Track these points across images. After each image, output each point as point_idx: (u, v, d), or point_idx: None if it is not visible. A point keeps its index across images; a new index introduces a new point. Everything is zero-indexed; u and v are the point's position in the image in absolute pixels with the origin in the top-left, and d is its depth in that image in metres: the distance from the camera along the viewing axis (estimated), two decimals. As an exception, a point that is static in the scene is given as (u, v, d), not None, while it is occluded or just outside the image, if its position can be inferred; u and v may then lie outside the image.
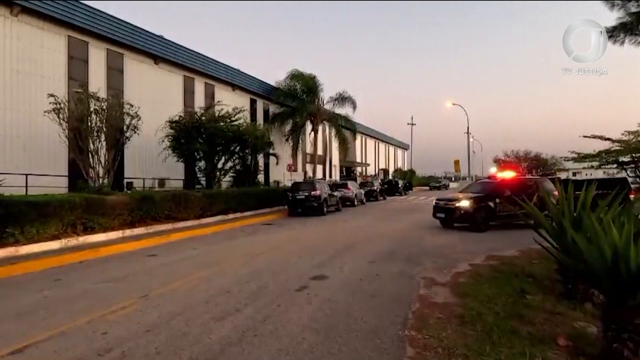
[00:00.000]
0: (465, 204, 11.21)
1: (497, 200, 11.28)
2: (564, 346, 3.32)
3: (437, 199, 12.70)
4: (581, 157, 29.72)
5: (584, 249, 3.27)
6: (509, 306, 4.39)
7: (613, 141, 26.39)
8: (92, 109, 11.52)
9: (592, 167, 31.91)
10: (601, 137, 26.70)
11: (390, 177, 47.98)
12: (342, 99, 27.69)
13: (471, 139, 40.80)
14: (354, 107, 28.13)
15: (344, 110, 28.47)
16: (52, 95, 11.12)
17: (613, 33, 12.44)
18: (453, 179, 64.95)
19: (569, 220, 4.49)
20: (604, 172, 42.97)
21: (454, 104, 34.86)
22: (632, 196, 13.22)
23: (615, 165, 29.05)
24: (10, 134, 12.73)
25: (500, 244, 8.91)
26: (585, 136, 27.65)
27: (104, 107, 11.75)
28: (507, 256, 7.46)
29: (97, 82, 15.01)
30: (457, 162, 31.73)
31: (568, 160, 32.62)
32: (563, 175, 43.60)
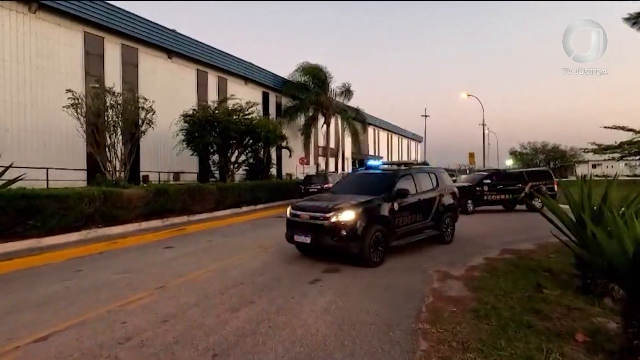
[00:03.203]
0: (349, 216, 6.19)
1: (396, 207, 6.84)
2: (582, 342, 3.27)
3: (293, 207, 7.18)
4: (602, 149, 28.85)
5: (604, 243, 3.20)
6: (524, 300, 4.33)
7: (636, 132, 25.52)
8: (108, 104, 11.74)
9: (612, 158, 31.00)
10: (623, 128, 25.84)
11: (404, 170, 47.49)
12: (346, 91, 27.76)
13: (487, 131, 40.02)
14: (349, 98, 28.41)
15: (350, 102, 28.49)
16: (69, 91, 11.35)
17: (637, 19, 11.95)
18: (468, 171, 64.07)
19: (589, 214, 4.39)
20: (626, 165, 41.64)
21: (469, 95, 34.21)
22: (556, 187, 14.95)
23: (638, 157, 28.14)
24: (31, 129, 13.07)
25: (515, 238, 8.81)
26: (606, 127, 26.76)
27: (120, 102, 11.95)
28: (523, 250, 7.35)
29: (113, 77, 15.26)
30: (471, 155, 31.17)
31: (588, 151, 31.71)
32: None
